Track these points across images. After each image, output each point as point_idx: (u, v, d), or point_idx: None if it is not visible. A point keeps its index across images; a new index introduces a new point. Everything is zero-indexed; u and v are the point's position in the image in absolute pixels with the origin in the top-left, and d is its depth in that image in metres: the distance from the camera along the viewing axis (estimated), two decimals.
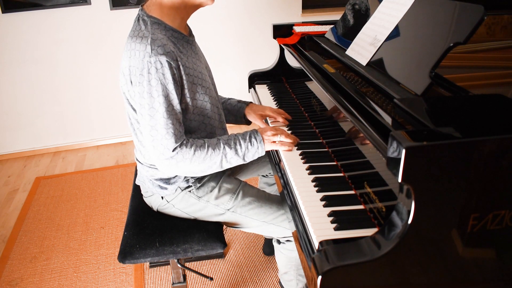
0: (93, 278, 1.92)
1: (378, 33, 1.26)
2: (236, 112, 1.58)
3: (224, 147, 1.23)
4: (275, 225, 1.35)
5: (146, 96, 1.14)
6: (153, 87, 1.13)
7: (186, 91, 1.21)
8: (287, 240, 1.39)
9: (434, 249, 0.80)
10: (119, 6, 3.01)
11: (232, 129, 3.35)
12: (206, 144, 1.22)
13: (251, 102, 1.60)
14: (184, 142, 1.19)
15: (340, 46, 1.51)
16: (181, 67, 1.18)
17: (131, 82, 1.18)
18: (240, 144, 1.25)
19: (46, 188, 2.72)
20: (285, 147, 1.32)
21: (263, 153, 1.29)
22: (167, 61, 1.12)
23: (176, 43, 1.22)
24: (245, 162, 1.27)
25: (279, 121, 1.52)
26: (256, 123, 1.55)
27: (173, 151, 1.17)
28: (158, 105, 1.14)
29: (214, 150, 1.21)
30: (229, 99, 1.61)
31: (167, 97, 1.15)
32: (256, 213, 1.34)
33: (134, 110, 1.25)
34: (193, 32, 1.36)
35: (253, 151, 1.26)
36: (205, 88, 1.28)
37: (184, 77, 1.19)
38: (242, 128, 3.38)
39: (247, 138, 1.27)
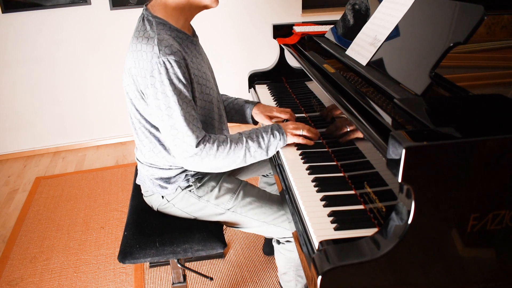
0: (93, 278, 1.92)
1: (378, 33, 1.26)
2: (243, 112, 1.58)
3: (246, 140, 1.23)
4: (275, 225, 1.35)
5: (161, 96, 1.14)
6: (166, 87, 1.13)
7: (194, 90, 1.21)
8: (287, 241, 1.39)
9: (434, 249, 0.80)
10: (119, 6, 3.01)
11: (234, 129, 3.35)
12: (228, 139, 1.22)
13: (258, 102, 1.59)
14: (207, 138, 1.20)
15: (340, 46, 1.51)
16: (188, 66, 1.18)
17: (139, 84, 1.18)
18: (263, 137, 1.25)
19: (46, 188, 2.72)
20: (308, 141, 1.32)
21: (284, 145, 1.29)
22: (175, 60, 1.13)
23: (181, 43, 1.22)
24: (268, 157, 1.27)
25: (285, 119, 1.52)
26: (264, 123, 1.55)
27: (196, 147, 1.17)
28: (174, 104, 1.14)
29: (237, 144, 1.22)
30: (236, 98, 1.62)
31: (180, 95, 1.15)
32: (256, 213, 1.34)
33: (137, 110, 1.25)
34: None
35: (275, 143, 1.26)
36: (209, 89, 1.29)
37: (191, 76, 1.20)
38: (246, 128, 3.38)
39: (269, 130, 1.27)
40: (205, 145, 1.18)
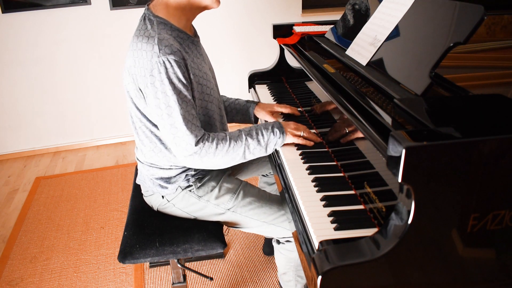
0: (93, 278, 1.92)
1: (378, 33, 1.26)
2: (244, 111, 1.59)
3: (246, 138, 1.24)
4: (275, 225, 1.35)
5: (161, 95, 1.14)
6: (166, 86, 1.13)
7: (194, 90, 1.21)
8: (287, 241, 1.39)
9: (434, 249, 0.80)
10: (119, 6, 3.01)
11: (234, 129, 3.35)
12: (228, 136, 1.23)
13: (259, 102, 1.60)
14: (206, 136, 1.20)
15: (340, 46, 1.51)
16: (188, 66, 1.18)
17: (139, 83, 1.18)
18: (262, 134, 1.26)
19: (46, 188, 2.72)
20: (307, 143, 1.32)
21: (283, 144, 1.30)
22: (175, 60, 1.13)
23: (182, 43, 1.22)
24: (267, 154, 1.28)
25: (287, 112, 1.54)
26: (266, 119, 1.56)
27: (196, 146, 1.18)
28: (173, 103, 1.15)
29: (236, 142, 1.22)
30: (237, 99, 1.63)
31: (180, 94, 1.15)
32: (256, 213, 1.34)
33: (138, 108, 1.25)
34: None
35: (275, 140, 1.27)
36: (210, 89, 1.29)
37: (191, 76, 1.20)
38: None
39: (269, 128, 1.28)
40: (204, 143, 1.19)
